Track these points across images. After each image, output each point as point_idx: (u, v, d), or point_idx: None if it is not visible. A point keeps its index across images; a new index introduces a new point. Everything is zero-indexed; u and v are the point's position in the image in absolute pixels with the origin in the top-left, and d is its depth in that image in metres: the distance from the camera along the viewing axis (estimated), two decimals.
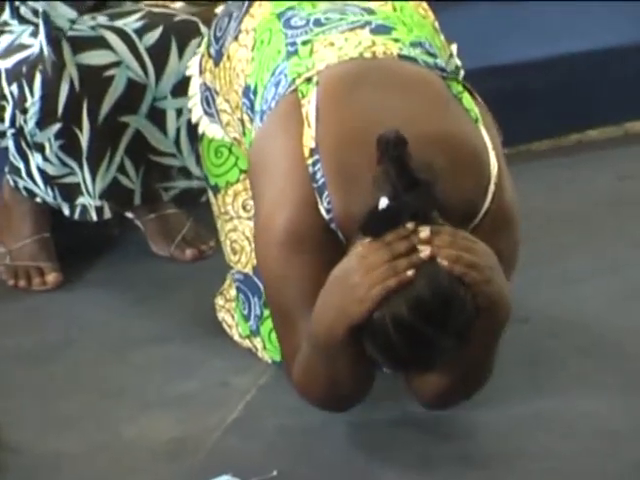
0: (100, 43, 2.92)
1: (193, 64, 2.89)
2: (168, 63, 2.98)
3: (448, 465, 2.53)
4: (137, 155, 3.11)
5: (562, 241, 3.29)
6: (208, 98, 2.83)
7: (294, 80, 2.51)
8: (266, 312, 2.69)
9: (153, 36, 3.00)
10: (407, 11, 2.72)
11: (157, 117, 3.05)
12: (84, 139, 3.02)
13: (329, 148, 2.47)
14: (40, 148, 2.97)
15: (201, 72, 2.84)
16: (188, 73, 2.90)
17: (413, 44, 2.61)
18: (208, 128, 2.89)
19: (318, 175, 2.45)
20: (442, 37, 2.76)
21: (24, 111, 2.92)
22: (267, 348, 2.80)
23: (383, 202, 2.30)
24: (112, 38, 2.95)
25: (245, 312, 2.82)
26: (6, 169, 3.05)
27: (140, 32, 2.99)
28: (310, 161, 2.46)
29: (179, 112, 3.03)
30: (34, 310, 3.13)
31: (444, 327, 2.34)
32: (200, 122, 2.89)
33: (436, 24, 2.77)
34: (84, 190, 3.05)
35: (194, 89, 2.89)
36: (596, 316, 3.03)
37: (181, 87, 2.96)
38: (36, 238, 3.22)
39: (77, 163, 3.02)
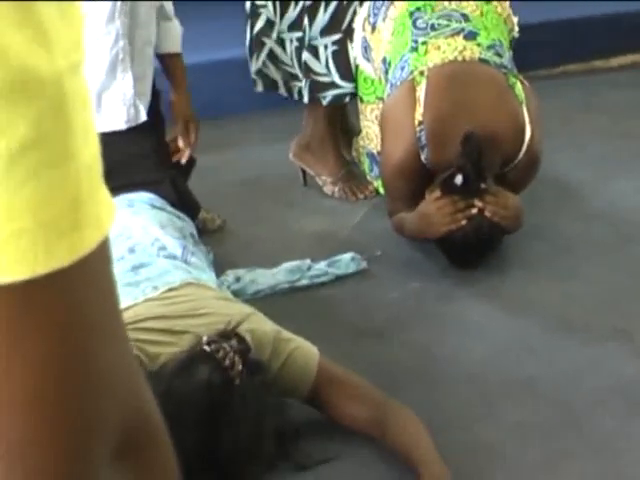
0: None
1: (358, 21, 2.94)
2: (317, 17, 2.96)
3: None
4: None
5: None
6: (366, 48, 2.94)
7: (412, 71, 2.71)
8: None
9: None
10: (489, 15, 2.82)
11: (313, 51, 3.02)
12: None
13: (431, 123, 2.64)
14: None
15: (363, 29, 2.93)
16: (354, 26, 2.95)
17: (489, 47, 2.74)
18: (362, 64, 2.96)
19: (422, 138, 2.65)
20: (510, 17, 2.88)
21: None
22: (378, 186, 3.05)
23: (458, 179, 2.53)
24: None
25: (369, 165, 3.07)
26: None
27: None
28: (418, 129, 2.65)
29: (325, 47, 2.99)
30: None
31: (481, 253, 2.63)
32: (357, 58, 2.97)
33: (507, 12, 2.89)
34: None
35: (357, 37, 2.95)
36: (572, 171, 3.23)
37: (326, 30, 2.96)
38: None
39: None
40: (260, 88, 3.15)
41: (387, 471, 1.98)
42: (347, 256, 2.68)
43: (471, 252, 2.61)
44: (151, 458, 0.86)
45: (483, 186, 2.54)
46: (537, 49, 3.67)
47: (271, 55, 3.09)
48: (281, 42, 3.05)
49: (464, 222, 2.52)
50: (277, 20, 3.03)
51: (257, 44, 3.10)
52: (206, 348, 1.85)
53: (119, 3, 2.53)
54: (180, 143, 2.76)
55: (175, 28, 2.78)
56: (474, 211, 2.52)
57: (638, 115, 3.54)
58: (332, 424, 2.07)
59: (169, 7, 2.78)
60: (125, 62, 2.57)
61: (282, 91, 3.13)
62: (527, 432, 2.11)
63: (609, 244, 2.81)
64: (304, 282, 2.61)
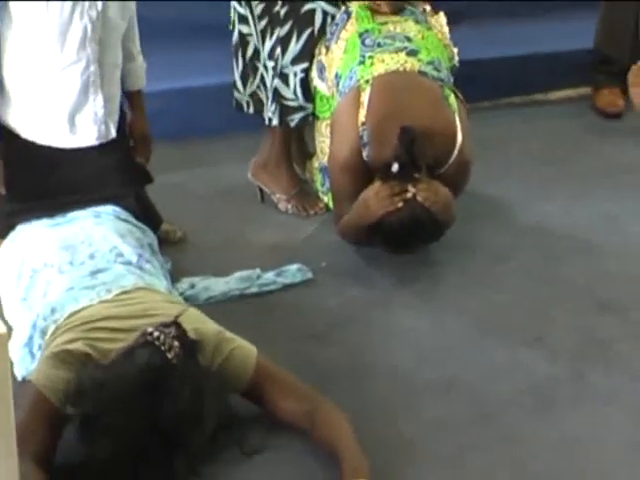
0: None
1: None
2: (289, 46, 3.04)
3: None
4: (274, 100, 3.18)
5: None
6: (321, 69, 3.08)
7: (359, 80, 2.91)
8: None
9: None
10: (430, 39, 3.01)
11: (284, 78, 3.09)
12: None
13: (372, 123, 2.81)
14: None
15: (319, 52, 3.06)
16: (314, 53, 3.09)
17: (429, 62, 2.94)
18: (318, 84, 3.09)
19: (365, 137, 2.83)
20: (449, 46, 3.03)
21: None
22: (328, 200, 3.17)
23: (395, 167, 2.68)
24: None
25: (321, 180, 3.16)
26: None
27: None
28: (361, 129, 2.84)
29: (295, 74, 3.07)
30: None
31: (416, 234, 2.70)
32: (314, 79, 3.09)
33: (447, 41, 3.05)
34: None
35: (315, 61, 3.05)
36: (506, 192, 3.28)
37: (297, 59, 3.03)
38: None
39: None
40: (251, 110, 3.18)
41: (314, 462, 2.07)
42: (294, 267, 2.77)
43: (407, 236, 2.72)
44: None
45: (417, 175, 2.70)
46: (483, 82, 3.74)
47: (262, 79, 3.13)
48: (265, 69, 3.12)
49: (400, 204, 2.66)
50: (261, 48, 3.10)
51: (252, 68, 3.17)
52: (148, 337, 2.00)
53: (89, 31, 2.62)
54: (138, 158, 2.87)
55: (139, 67, 2.87)
56: (409, 194, 2.66)
57: (570, 143, 3.64)
58: (267, 418, 2.17)
59: (134, 46, 2.84)
60: (96, 84, 2.67)
61: (265, 114, 3.15)
62: (443, 427, 2.26)
63: (535, 258, 2.91)
64: (254, 290, 2.69)
